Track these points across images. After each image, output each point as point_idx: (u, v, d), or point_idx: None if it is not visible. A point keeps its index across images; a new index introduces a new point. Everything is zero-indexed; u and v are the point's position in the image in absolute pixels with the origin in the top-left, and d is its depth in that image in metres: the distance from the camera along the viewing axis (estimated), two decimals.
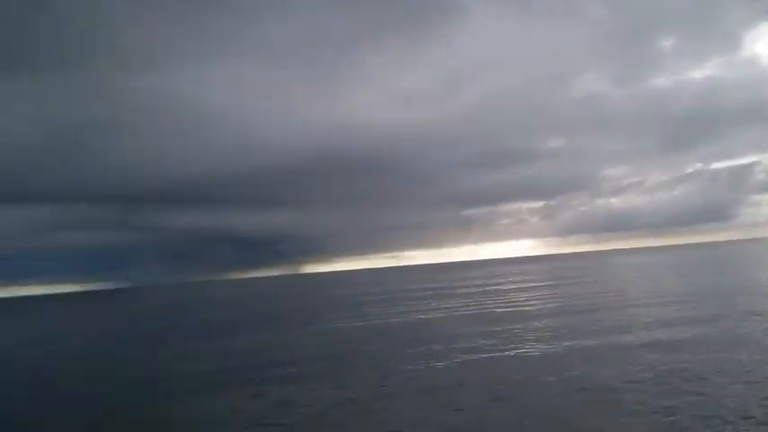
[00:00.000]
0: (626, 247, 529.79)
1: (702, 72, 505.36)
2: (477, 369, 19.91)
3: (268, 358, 25.77)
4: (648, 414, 13.49)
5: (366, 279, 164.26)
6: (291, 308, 62.30)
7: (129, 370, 26.07)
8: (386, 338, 29.40)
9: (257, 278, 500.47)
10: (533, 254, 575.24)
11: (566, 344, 23.35)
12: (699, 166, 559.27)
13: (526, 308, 39.06)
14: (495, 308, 40.54)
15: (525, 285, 66.46)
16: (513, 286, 66.36)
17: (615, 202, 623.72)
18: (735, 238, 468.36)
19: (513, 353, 22.27)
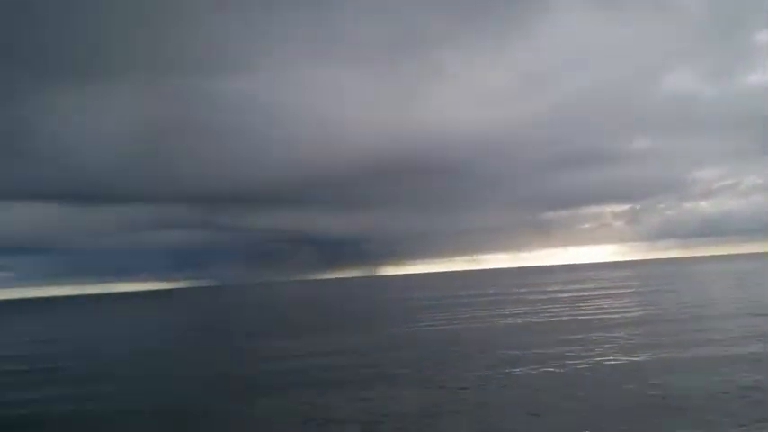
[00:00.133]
0: (718, 253, 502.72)
1: None
2: (554, 377, 19.78)
3: (343, 360, 26.31)
4: (729, 428, 13.16)
5: (443, 282, 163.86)
6: (368, 309, 63.17)
7: (206, 367, 27.22)
8: (462, 343, 29.43)
9: (336, 279, 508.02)
10: (617, 259, 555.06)
11: (648, 355, 22.80)
12: None
13: (608, 316, 38.10)
14: (575, 315, 39.77)
15: (607, 292, 64.65)
16: (594, 293, 64.66)
17: (705, 205, 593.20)
18: None
19: (592, 362, 21.91)
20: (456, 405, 16.71)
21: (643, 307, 43.10)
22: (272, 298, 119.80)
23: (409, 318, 46.30)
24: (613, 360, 22.08)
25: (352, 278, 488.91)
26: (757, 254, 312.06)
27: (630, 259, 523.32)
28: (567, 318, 38.30)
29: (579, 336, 28.94)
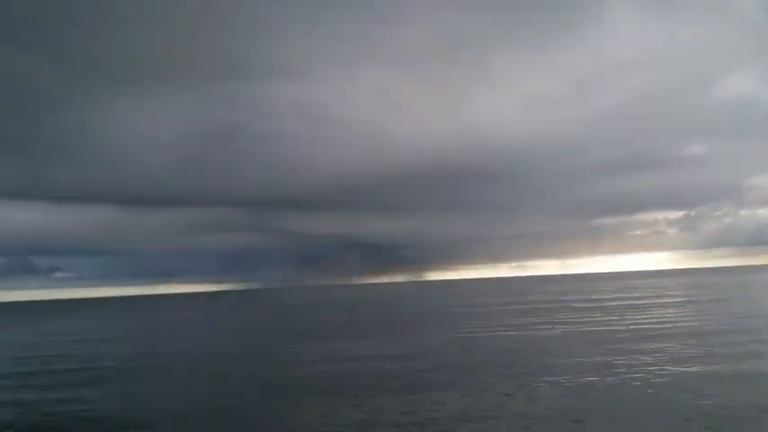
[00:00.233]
0: None
1: None
2: (600, 386, 19.72)
3: (390, 365, 26.56)
4: None
5: (488, 288, 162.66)
6: (413, 315, 63.38)
7: (255, 369, 27.92)
8: (506, 350, 29.43)
9: (382, 284, 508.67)
10: (670, 267, 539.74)
11: (698, 366, 22.47)
12: None
13: (657, 325, 37.42)
14: (622, 324, 39.16)
15: (658, 301, 63.29)
16: (643, 302, 63.37)
17: (763, 213, 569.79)
18: None
19: (639, 373, 21.73)
20: (499, 411, 16.92)
21: (694, 317, 42.17)
22: (318, 301, 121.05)
23: (454, 324, 46.35)
24: (661, 371, 21.79)
25: (398, 283, 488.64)
26: None
27: (684, 267, 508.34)
28: (613, 327, 37.76)
29: (626, 346, 28.61)
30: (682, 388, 18.81)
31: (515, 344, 31.94)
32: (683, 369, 21.98)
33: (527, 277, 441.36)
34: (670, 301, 63.59)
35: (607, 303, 63.64)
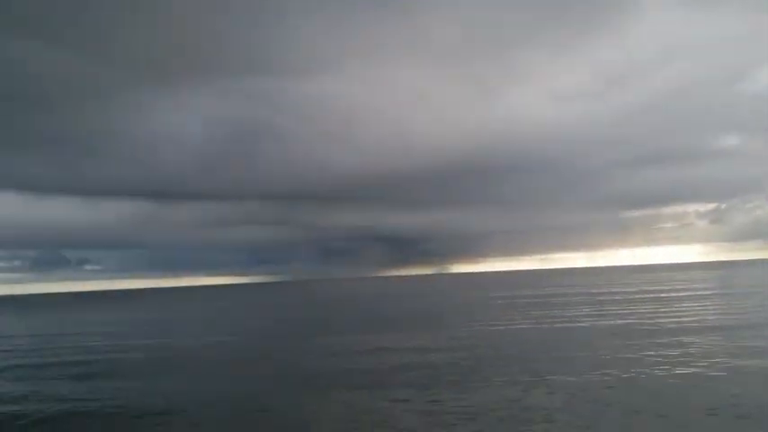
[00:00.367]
0: None
1: None
2: (628, 383, 19.12)
3: (416, 359, 26.20)
4: None
5: (515, 280, 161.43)
6: (441, 307, 62.92)
7: (280, 361, 27.83)
8: (534, 344, 28.80)
9: (407, 276, 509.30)
10: (701, 260, 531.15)
11: (729, 362, 21.71)
12: None
13: (687, 319, 36.46)
14: (653, 318, 38.23)
15: (688, 294, 61.94)
16: (675, 294, 62.10)
17: None
18: None
19: (672, 370, 21.04)
20: (525, 406, 16.46)
21: (725, 311, 41.02)
22: (344, 294, 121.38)
23: (480, 316, 45.80)
24: (693, 366, 21.11)
25: (423, 276, 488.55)
26: None
27: (715, 260, 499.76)
28: (642, 321, 36.92)
29: (657, 340, 27.84)
30: (709, 385, 18.13)
31: (543, 336, 31.28)
32: (714, 364, 21.21)
33: (554, 270, 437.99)
34: (700, 294, 62.17)
35: (635, 296, 62.50)
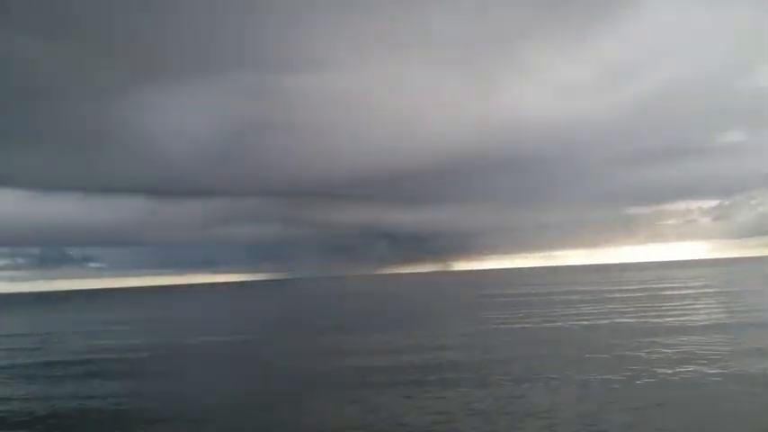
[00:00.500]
0: None
1: None
2: (629, 387, 19.12)
3: (415, 359, 26.20)
4: None
5: (518, 278, 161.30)
6: (442, 305, 62.96)
7: (282, 362, 27.91)
8: (536, 345, 28.75)
9: (410, 273, 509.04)
10: (704, 257, 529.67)
11: (736, 363, 21.70)
12: None
13: (689, 317, 36.42)
14: (656, 317, 38.21)
15: (690, 292, 61.84)
16: (677, 292, 62.03)
17: None
18: None
19: (675, 368, 21.03)
20: (524, 407, 16.48)
21: (728, 309, 40.95)
22: (347, 292, 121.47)
23: (483, 314, 45.75)
24: (698, 368, 21.12)
25: (427, 273, 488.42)
26: None
27: (719, 257, 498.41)
28: (646, 319, 36.90)
29: (659, 340, 27.83)
30: (714, 387, 18.13)
31: (546, 336, 31.25)
32: (719, 365, 21.21)
33: (556, 267, 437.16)
34: (702, 291, 62.08)
35: (638, 294, 62.42)
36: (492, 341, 29.99)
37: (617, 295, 62.56)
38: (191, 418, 17.31)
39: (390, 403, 17.55)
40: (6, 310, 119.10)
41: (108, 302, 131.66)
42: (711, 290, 64.78)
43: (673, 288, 71.31)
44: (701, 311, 39.99)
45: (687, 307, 43.87)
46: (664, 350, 24.57)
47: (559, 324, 36.52)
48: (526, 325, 37.00)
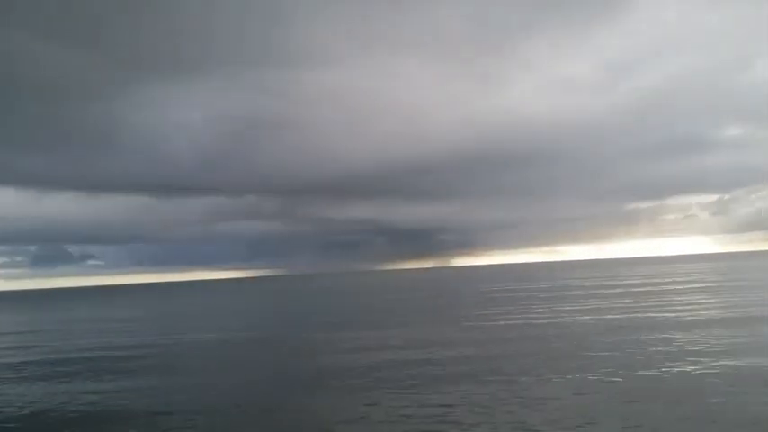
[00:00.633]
0: None
1: None
2: (633, 380, 18.85)
3: (415, 356, 25.96)
4: None
5: (521, 273, 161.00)
6: (444, 301, 62.78)
7: (281, 359, 27.70)
8: (539, 340, 28.51)
9: (411, 269, 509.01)
10: (704, 251, 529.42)
11: (740, 359, 21.43)
12: None
13: (691, 313, 36.13)
14: (657, 312, 37.93)
15: (691, 286, 61.63)
16: (678, 287, 61.81)
17: None
18: None
19: (679, 366, 20.77)
20: (523, 407, 16.23)
21: (730, 304, 40.64)
22: (347, 288, 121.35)
23: (484, 310, 45.52)
24: (699, 366, 20.84)
25: (429, 269, 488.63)
26: None
27: (718, 252, 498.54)
28: (648, 315, 36.62)
29: (661, 336, 27.57)
30: (719, 386, 17.85)
31: (547, 332, 30.95)
32: (723, 362, 20.94)
33: (559, 262, 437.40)
34: (703, 286, 61.88)
35: (641, 289, 62.28)
36: (485, 337, 29.78)
37: (634, 290, 62.37)
38: (186, 418, 17.03)
39: (392, 399, 17.31)
40: (5, 307, 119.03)
41: (107, 300, 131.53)
42: (715, 284, 64.54)
43: (677, 282, 71.10)
44: (711, 306, 39.72)
45: (694, 302, 43.59)
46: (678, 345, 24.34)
47: (532, 320, 36.33)
48: (518, 321, 36.77)
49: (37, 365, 28.40)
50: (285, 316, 55.35)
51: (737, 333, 26.77)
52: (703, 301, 44.18)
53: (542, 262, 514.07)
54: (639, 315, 36.32)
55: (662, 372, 19.33)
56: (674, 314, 35.80)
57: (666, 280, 78.96)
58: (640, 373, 19.32)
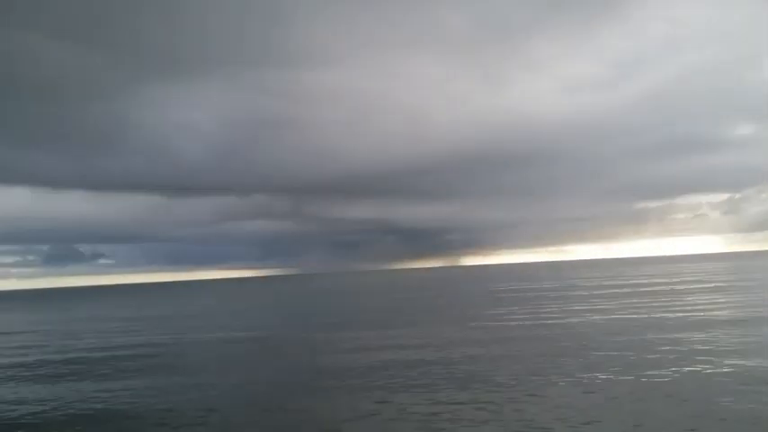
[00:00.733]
0: None
1: None
2: (642, 383, 18.90)
3: (424, 356, 26.04)
4: None
5: (529, 272, 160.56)
6: (450, 301, 62.82)
7: (290, 358, 27.81)
8: (547, 340, 28.60)
9: (419, 269, 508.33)
10: (714, 251, 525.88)
11: (753, 361, 21.43)
12: None
13: (701, 313, 36.05)
14: (665, 312, 37.89)
15: (700, 286, 61.33)
16: (688, 287, 61.59)
17: None
18: None
19: (687, 367, 20.80)
20: (527, 410, 16.34)
21: (740, 304, 40.50)
22: (358, 287, 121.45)
23: (492, 310, 45.55)
24: (709, 366, 20.87)
25: (436, 268, 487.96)
26: None
27: (729, 251, 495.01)
28: (656, 315, 36.58)
29: (670, 336, 27.57)
30: (725, 386, 17.88)
31: (553, 332, 31.01)
32: (732, 363, 20.95)
33: (567, 262, 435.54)
34: (713, 286, 61.57)
35: (649, 288, 62.08)
36: (492, 337, 29.85)
37: (642, 289, 62.20)
38: (191, 418, 17.23)
39: (403, 398, 17.44)
40: (19, 306, 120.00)
41: (117, 299, 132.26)
42: (725, 284, 64.21)
43: (686, 282, 70.79)
44: (721, 306, 39.59)
45: (703, 301, 43.46)
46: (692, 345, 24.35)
47: (537, 321, 36.32)
48: (526, 321, 36.79)
49: (50, 365, 28.73)
50: (297, 316, 55.52)
51: (747, 333, 26.73)
52: (713, 300, 44.00)
53: (550, 261, 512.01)
54: (648, 315, 36.30)
55: (671, 372, 19.36)
56: (682, 314, 35.73)
57: (675, 280, 78.62)
58: (649, 372, 19.37)
